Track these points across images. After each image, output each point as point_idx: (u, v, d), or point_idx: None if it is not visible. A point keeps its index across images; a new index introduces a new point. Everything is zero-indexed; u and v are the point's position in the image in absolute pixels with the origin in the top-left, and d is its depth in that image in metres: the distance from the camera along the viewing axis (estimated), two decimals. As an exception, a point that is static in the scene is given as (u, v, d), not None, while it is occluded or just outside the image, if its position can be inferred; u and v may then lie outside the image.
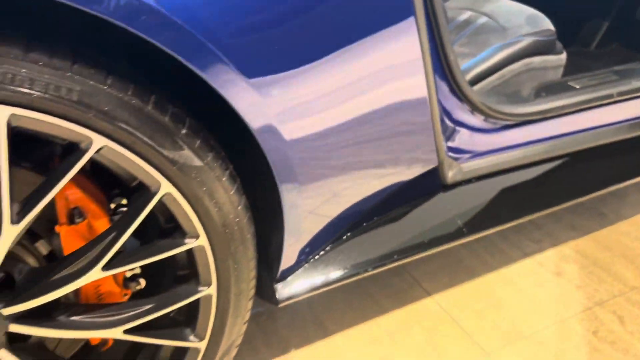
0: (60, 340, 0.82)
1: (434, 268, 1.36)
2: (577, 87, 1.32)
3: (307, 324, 1.20)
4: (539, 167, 1.27)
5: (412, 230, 1.06)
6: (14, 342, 0.72)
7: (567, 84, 1.33)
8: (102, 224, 0.74)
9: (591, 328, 1.20)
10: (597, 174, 1.38)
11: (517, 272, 1.36)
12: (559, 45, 1.41)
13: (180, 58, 0.61)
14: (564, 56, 1.40)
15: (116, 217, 0.75)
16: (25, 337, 0.75)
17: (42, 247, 0.77)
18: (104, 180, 0.75)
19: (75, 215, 0.71)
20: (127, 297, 0.80)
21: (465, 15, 1.55)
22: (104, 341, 0.82)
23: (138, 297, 0.79)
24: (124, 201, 0.80)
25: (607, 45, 1.92)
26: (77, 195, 0.72)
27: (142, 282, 0.83)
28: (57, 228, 0.72)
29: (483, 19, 1.52)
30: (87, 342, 0.84)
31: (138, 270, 0.83)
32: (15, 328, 0.68)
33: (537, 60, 1.36)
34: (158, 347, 0.83)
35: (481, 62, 1.30)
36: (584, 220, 1.55)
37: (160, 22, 0.58)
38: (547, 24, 1.41)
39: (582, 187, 1.34)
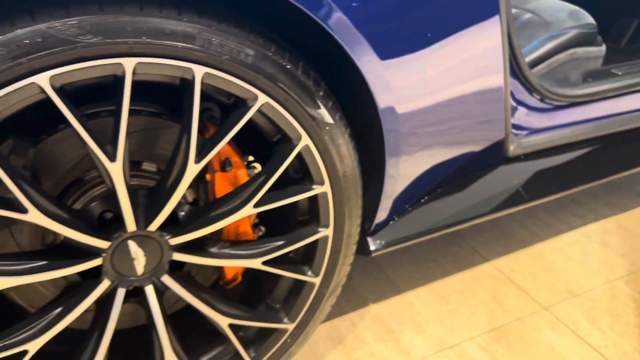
0: (198, 273, 0.97)
1: (488, 239, 1.50)
2: (620, 73, 1.46)
3: (380, 283, 1.35)
4: (586, 145, 1.41)
5: (481, 195, 1.21)
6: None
7: (610, 71, 1.48)
8: (242, 174, 0.89)
9: (637, 288, 1.33)
10: (636, 152, 1.51)
11: (565, 242, 1.50)
12: (599, 38, 1.55)
13: (338, 40, 0.76)
14: (603, 48, 1.54)
15: (249, 170, 0.91)
16: (179, 267, 0.90)
17: (189, 195, 0.92)
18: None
19: (226, 164, 0.86)
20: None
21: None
22: (233, 278, 0.97)
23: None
24: (251, 158, 0.95)
25: (636, 41, 2.06)
26: (226, 149, 0.87)
27: (263, 229, 0.98)
28: (208, 176, 0.87)
29: (527, 15, 1.66)
30: (216, 279, 0.99)
31: (256, 221, 0.98)
32: (177, 256, 0.83)
33: (580, 50, 1.50)
34: (275, 285, 0.98)
35: (531, 52, 1.44)
36: (622, 199, 1.68)
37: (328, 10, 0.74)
38: (589, 18, 1.55)
39: (622, 164, 1.48)
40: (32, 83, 0.63)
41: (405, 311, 1.27)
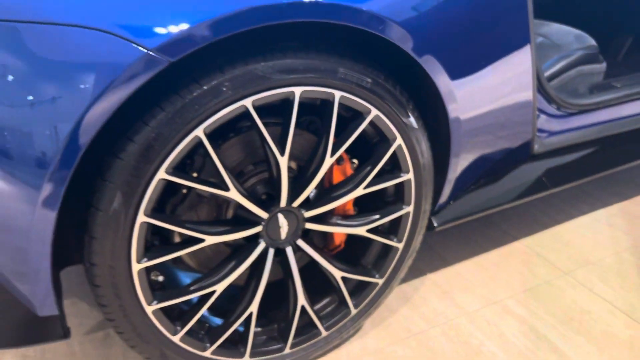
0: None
1: (516, 222, 1.83)
2: (618, 85, 1.80)
3: (433, 258, 1.67)
4: (593, 144, 1.75)
5: (514, 184, 1.54)
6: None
7: (611, 84, 1.82)
8: (348, 167, 1.22)
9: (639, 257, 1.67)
10: (634, 149, 1.85)
11: (578, 225, 1.83)
12: (600, 56, 1.89)
13: (427, 70, 1.10)
14: (604, 65, 1.88)
15: (351, 164, 1.24)
16: (306, 234, 1.22)
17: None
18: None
19: (340, 159, 1.20)
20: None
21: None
22: (337, 245, 1.29)
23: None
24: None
25: (631, 56, 2.41)
26: (340, 148, 1.21)
27: (356, 208, 1.31)
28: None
29: (540, 39, 2.01)
30: (325, 245, 1.31)
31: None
32: (309, 225, 1.16)
33: (586, 68, 1.84)
34: (367, 250, 1.30)
35: (546, 70, 1.78)
36: (625, 189, 2.02)
37: (420, 43, 1.07)
38: (591, 41, 1.90)
39: (622, 158, 1.81)
40: (242, 105, 0.96)
41: (454, 278, 1.59)
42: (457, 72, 1.17)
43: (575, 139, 1.69)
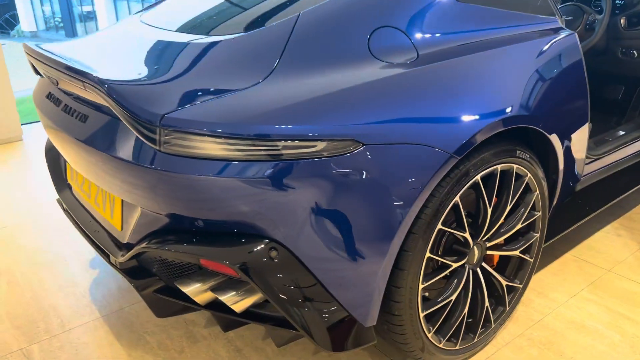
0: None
1: (558, 242, 2.56)
2: (611, 139, 2.62)
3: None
4: (609, 180, 2.53)
5: (572, 212, 2.27)
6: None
7: (604, 138, 2.63)
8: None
9: (647, 254, 2.45)
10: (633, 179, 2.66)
11: (597, 238, 2.59)
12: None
13: (549, 137, 1.79)
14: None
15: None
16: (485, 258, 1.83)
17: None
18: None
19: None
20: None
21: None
22: (495, 263, 1.91)
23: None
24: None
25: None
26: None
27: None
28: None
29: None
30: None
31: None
32: (489, 252, 1.79)
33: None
34: (509, 264, 1.93)
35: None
36: (617, 208, 2.83)
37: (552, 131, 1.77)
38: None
39: (627, 186, 2.61)
40: (476, 179, 1.59)
41: (540, 283, 2.27)
42: (565, 134, 1.88)
43: (596, 176, 2.46)
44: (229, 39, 1.67)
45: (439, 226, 1.55)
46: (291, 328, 1.55)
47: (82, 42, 2.05)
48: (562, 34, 1.94)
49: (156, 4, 2.38)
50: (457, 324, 1.75)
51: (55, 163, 2.27)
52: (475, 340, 1.84)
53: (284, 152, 1.36)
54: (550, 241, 2.12)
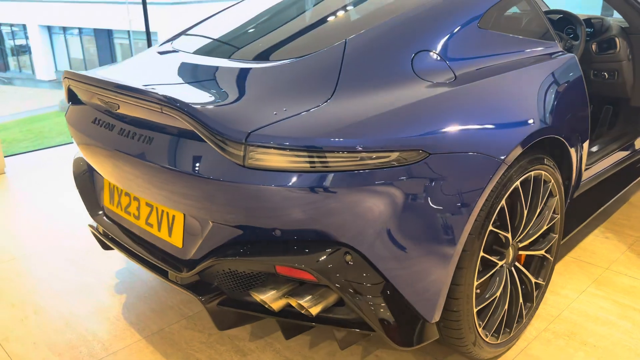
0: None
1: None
2: (595, 150, 2.90)
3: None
4: (596, 187, 2.79)
5: (576, 213, 2.50)
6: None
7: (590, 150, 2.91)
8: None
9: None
10: (620, 182, 2.94)
11: (589, 241, 2.84)
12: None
13: (566, 143, 2.02)
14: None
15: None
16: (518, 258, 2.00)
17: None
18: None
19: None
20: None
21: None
22: (521, 262, 2.09)
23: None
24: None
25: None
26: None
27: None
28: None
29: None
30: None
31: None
32: (520, 252, 1.97)
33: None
34: (532, 262, 2.12)
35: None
36: (603, 213, 3.11)
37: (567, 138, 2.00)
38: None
39: (618, 187, 2.88)
40: (516, 184, 1.77)
41: (550, 283, 2.47)
42: (577, 142, 2.10)
43: (589, 183, 2.70)
44: (286, 63, 1.80)
45: (490, 227, 1.72)
46: (360, 328, 1.66)
47: (128, 70, 2.13)
48: (566, 56, 2.19)
49: (182, 34, 2.49)
50: (499, 319, 1.91)
51: (87, 189, 2.29)
52: (512, 334, 2.00)
53: (362, 162, 1.50)
54: (563, 241, 2.33)
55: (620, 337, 2.10)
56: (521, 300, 2.00)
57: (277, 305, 1.64)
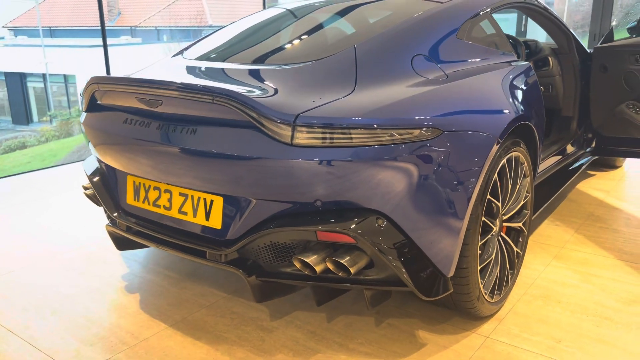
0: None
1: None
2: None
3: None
4: (541, 184, 3.25)
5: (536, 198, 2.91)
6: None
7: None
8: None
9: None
10: (559, 182, 3.41)
11: (545, 226, 3.28)
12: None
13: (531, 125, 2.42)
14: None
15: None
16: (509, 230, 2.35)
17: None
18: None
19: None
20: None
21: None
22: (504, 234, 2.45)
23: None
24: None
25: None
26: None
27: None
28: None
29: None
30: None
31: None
32: (505, 224, 2.33)
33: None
34: (511, 233, 2.48)
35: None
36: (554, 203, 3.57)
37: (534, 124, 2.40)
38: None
39: (557, 186, 3.35)
40: (504, 161, 2.14)
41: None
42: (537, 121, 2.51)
43: (539, 178, 3.15)
44: (308, 64, 2.11)
45: (488, 196, 2.06)
46: (390, 285, 1.92)
47: (162, 73, 2.36)
48: (525, 64, 2.63)
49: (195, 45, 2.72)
50: (493, 280, 2.24)
51: (105, 190, 2.43)
52: (501, 296, 2.33)
53: (391, 138, 1.80)
54: (533, 217, 2.72)
55: (585, 295, 2.49)
56: (507, 266, 2.34)
57: (319, 268, 1.87)
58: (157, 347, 2.14)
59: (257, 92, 1.92)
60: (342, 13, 2.72)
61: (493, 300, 2.25)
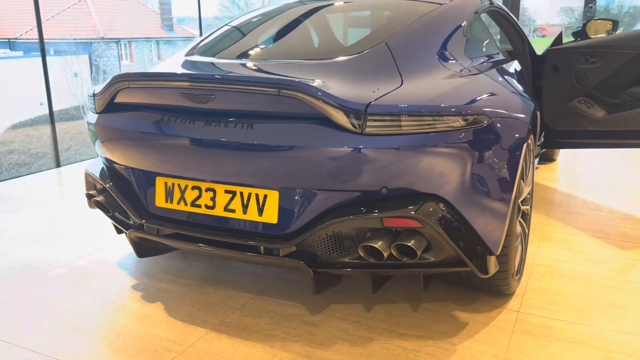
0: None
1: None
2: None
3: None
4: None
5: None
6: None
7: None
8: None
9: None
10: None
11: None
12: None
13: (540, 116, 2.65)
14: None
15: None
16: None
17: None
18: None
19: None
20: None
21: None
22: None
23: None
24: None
25: None
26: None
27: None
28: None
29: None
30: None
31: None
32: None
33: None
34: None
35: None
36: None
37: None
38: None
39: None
40: (528, 141, 2.33)
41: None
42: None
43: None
44: (350, 58, 2.17)
45: (518, 179, 2.23)
46: (448, 266, 2.02)
47: (206, 69, 2.32)
48: (515, 60, 2.88)
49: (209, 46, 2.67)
50: (518, 258, 2.42)
51: (128, 194, 2.31)
52: (521, 273, 2.52)
53: (452, 124, 1.90)
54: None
55: (582, 269, 2.75)
56: (524, 245, 2.54)
57: (387, 253, 1.93)
58: (207, 351, 2.07)
59: (320, 83, 1.95)
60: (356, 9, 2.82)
61: (517, 277, 2.43)
